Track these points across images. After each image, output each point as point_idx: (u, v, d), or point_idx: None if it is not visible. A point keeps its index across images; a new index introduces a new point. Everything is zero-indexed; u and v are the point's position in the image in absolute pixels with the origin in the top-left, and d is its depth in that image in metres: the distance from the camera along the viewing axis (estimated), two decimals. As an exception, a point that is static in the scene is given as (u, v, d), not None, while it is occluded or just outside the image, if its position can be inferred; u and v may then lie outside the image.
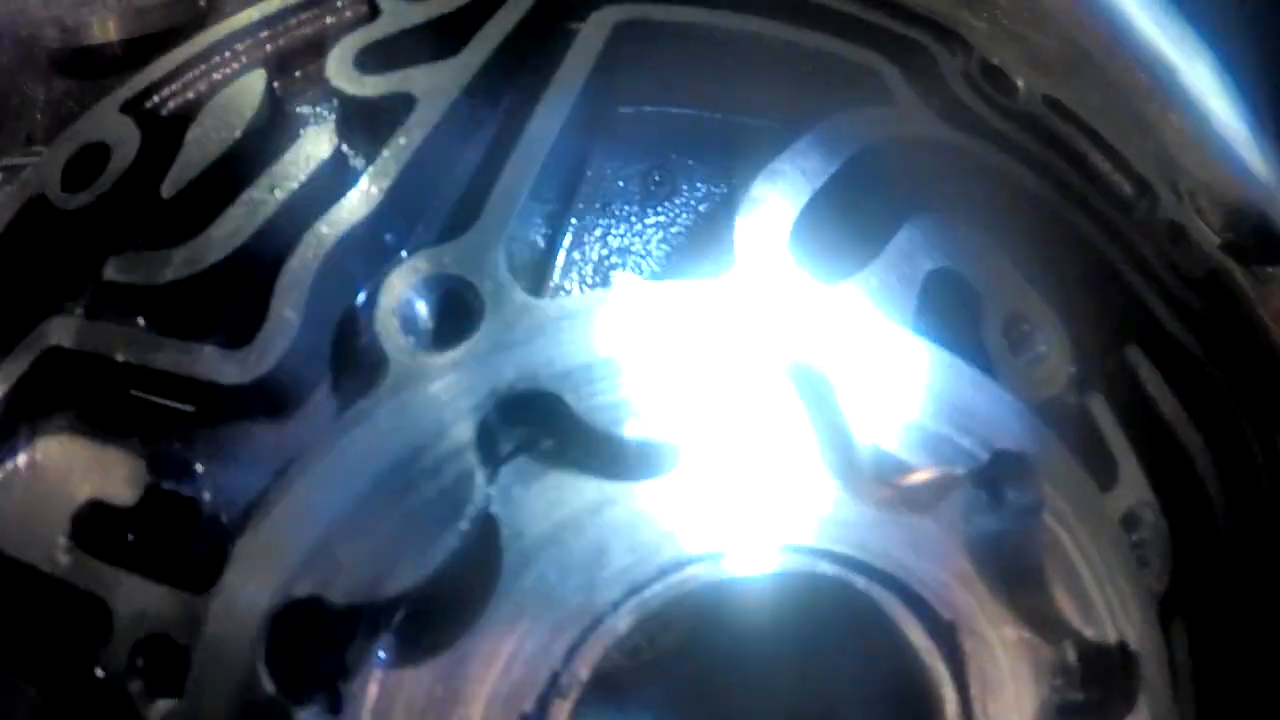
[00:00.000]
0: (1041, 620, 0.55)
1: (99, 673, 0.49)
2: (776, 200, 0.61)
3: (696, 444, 0.49)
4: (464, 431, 0.44)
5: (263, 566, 0.44)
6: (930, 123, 0.71)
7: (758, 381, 0.51)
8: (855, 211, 0.68)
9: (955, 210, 0.68)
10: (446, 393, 0.46)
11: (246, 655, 0.42)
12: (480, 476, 0.44)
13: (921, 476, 0.51)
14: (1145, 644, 0.57)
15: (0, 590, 0.53)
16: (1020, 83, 0.83)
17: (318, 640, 0.44)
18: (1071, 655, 0.58)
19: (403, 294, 0.51)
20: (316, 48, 0.74)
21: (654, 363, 0.49)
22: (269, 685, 0.42)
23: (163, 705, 0.47)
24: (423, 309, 0.51)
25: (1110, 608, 0.56)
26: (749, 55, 0.76)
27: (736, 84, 0.77)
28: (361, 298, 0.57)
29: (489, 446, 0.46)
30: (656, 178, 0.76)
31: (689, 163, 0.77)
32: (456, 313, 0.52)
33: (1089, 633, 0.54)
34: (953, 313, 0.65)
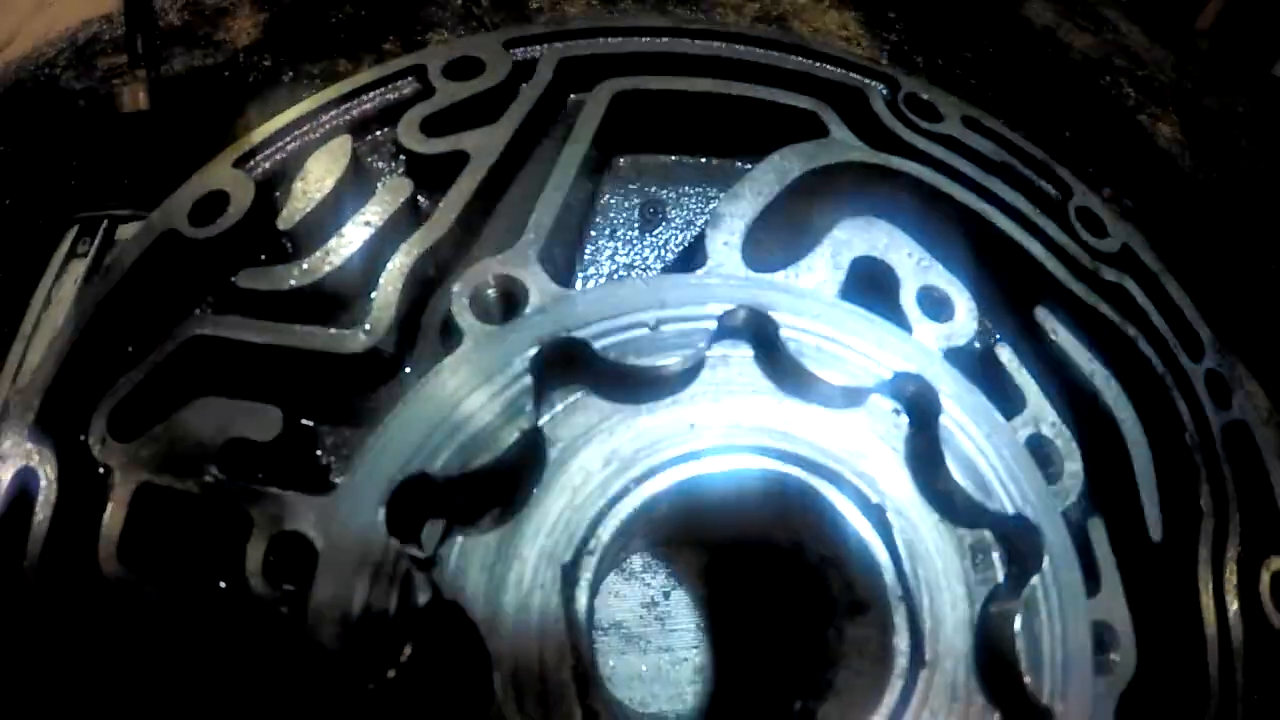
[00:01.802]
0: (951, 503, 0.73)
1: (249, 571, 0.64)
2: (734, 216, 0.82)
3: (681, 378, 0.70)
4: (520, 366, 0.66)
5: (383, 458, 0.63)
6: (857, 149, 0.92)
7: (721, 334, 0.71)
8: (803, 218, 0.89)
9: (880, 212, 0.88)
10: (505, 345, 0.67)
11: (371, 517, 0.61)
12: (531, 398, 0.65)
13: (836, 380, 0.70)
14: (1044, 519, 0.72)
15: (160, 515, 0.70)
16: (943, 109, 1.03)
17: (419, 514, 0.64)
18: (990, 538, 0.75)
19: (471, 286, 0.73)
20: (383, 116, 0.97)
21: (647, 324, 0.70)
22: (386, 534, 0.60)
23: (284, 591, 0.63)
24: (488, 295, 0.73)
25: (1007, 490, 0.72)
26: (719, 110, 0.98)
27: (710, 133, 1.00)
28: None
29: (537, 378, 0.66)
30: (651, 209, 0.98)
31: (675, 195, 0.99)
32: (508, 300, 0.74)
33: (990, 505, 0.71)
34: (878, 291, 0.83)
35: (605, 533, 0.66)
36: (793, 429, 0.71)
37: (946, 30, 4.60)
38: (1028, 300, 0.93)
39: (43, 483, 0.72)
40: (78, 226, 1.93)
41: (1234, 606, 0.84)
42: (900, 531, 0.71)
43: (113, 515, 0.69)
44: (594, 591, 0.66)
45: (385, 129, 0.98)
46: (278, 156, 0.93)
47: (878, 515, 0.71)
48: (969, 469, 0.72)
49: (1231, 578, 0.85)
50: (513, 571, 0.64)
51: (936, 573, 0.72)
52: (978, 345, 0.84)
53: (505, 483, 0.66)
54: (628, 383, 0.68)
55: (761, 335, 0.72)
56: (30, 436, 0.74)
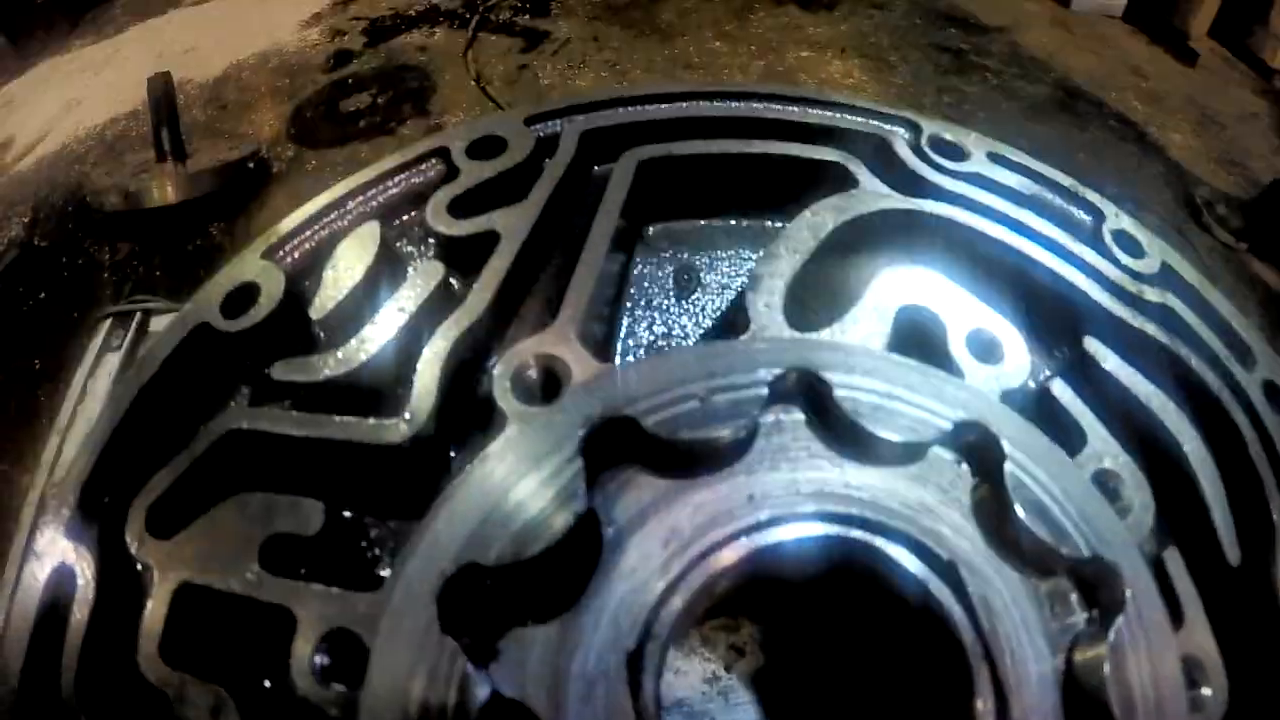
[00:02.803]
0: (1025, 552, 0.70)
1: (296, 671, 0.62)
2: (773, 276, 0.81)
3: (736, 447, 0.68)
4: (568, 449, 0.65)
5: (433, 550, 0.62)
6: (886, 197, 0.91)
7: (772, 399, 0.70)
8: (841, 272, 0.88)
9: (918, 259, 0.87)
10: (552, 428, 0.66)
11: (424, 612, 0.60)
12: (583, 480, 0.64)
13: (893, 437, 0.68)
14: (1122, 557, 0.69)
15: (203, 613, 0.69)
16: (968, 147, 1.03)
17: (474, 608, 0.63)
18: (1066, 583, 0.72)
19: (511, 368, 0.73)
20: (410, 200, 0.99)
21: (696, 396, 0.69)
22: (439, 630, 0.59)
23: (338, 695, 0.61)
24: (529, 376, 0.73)
25: (1081, 532, 0.69)
26: (744, 169, 0.99)
27: (738, 194, 1.00)
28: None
29: (587, 460, 0.65)
30: (685, 276, 0.98)
31: (708, 260, 0.98)
32: (550, 380, 0.74)
33: (1064, 550, 0.68)
34: (926, 339, 0.82)
35: (669, 615, 0.63)
36: (853, 491, 0.69)
37: (949, 67, 4.67)
38: (1075, 332, 0.91)
39: (80, 581, 0.72)
40: (111, 320, 1.99)
41: None
42: (973, 587, 0.68)
43: (153, 614, 0.68)
44: (659, 677, 0.63)
45: (412, 212, 0.99)
46: (307, 245, 0.95)
47: (948, 572, 0.68)
48: (1039, 514, 0.69)
49: None
50: (575, 663, 0.61)
51: (1015, 627, 0.68)
52: (1032, 384, 0.82)
53: (561, 570, 0.64)
54: (681, 457, 0.67)
55: (814, 397, 0.71)
56: (67, 534, 0.74)
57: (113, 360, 1.77)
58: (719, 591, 0.66)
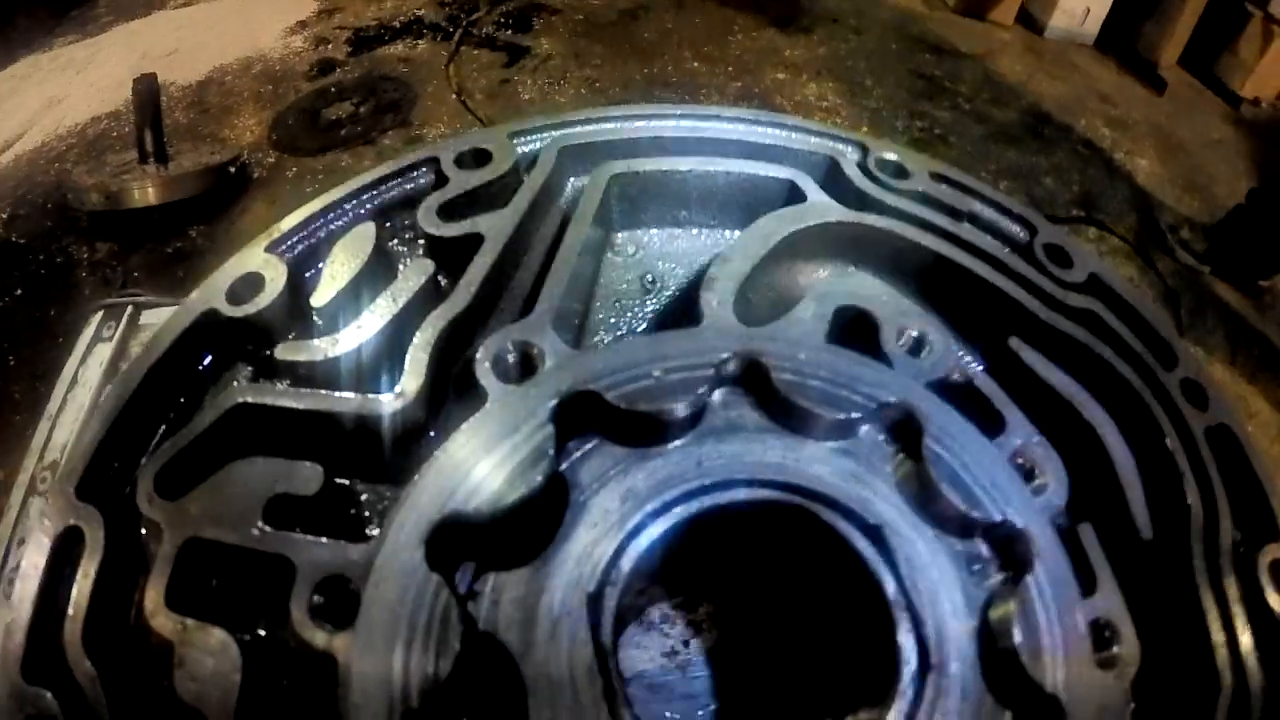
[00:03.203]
0: (944, 518, 0.79)
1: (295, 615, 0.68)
2: (725, 278, 0.91)
3: (687, 421, 0.78)
4: (541, 417, 0.74)
5: (420, 503, 0.71)
6: (831, 210, 1.02)
7: (719, 380, 0.79)
8: (787, 277, 0.98)
9: (859, 266, 0.97)
10: (527, 401, 0.75)
11: (412, 556, 0.68)
12: (551, 447, 0.73)
13: (828, 415, 0.77)
14: (1030, 522, 0.79)
15: (206, 567, 0.74)
16: (911, 167, 1.13)
17: (455, 555, 0.71)
18: (982, 546, 0.81)
19: (492, 352, 0.82)
20: (401, 204, 1.09)
21: (652, 375, 0.78)
22: (427, 569, 0.67)
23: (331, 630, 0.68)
24: (507, 359, 0.82)
25: (993, 500, 0.79)
26: (705, 185, 1.09)
27: (699, 206, 1.10)
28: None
29: (557, 428, 0.74)
30: (649, 278, 1.08)
31: (671, 266, 1.09)
32: (526, 363, 0.83)
33: (975, 514, 0.78)
34: (860, 336, 0.90)
35: (626, 563, 0.72)
36: (791, 462, 0.79)
37: (921, 92, 4.82)
38: (1002, 334, 1.01)
39: (87, 539, 0.78)
40: (102, 312, 2.04)
41: (1234, 594, 0.88)
42: (897, 546, 0.78)
43: (160, 568, 0.74)
44: (616, 617, 0.72)
45: (403, 216, 1.09)
46: (306, 242, 1.04)
47: (875, 534, 0.78)
48: (957, 485, 0.78)
49: (1228, 567, 0.90)
50: (542, 603, 0.70)
51: (935, 583, 0.78)
52: (956, 376, 0.92)
53: (531, 525, 0.73)
54: (638, 429, 0.76)
55: (757, 379, 0.80)
56: (75, 497, 0.80)
57: (103, 350, 1.83)
58: (671, 547, 0.75)
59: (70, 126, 4.68)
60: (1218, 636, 0.87)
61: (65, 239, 3.82)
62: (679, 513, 0.75)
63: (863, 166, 1.12)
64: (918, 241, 1.02)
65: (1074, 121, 4.89)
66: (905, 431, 0.81)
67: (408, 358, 0.88)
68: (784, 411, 0.79)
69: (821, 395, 0.79)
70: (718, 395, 0.80)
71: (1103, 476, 0.94)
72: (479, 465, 0.73)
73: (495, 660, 0.69)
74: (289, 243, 1.02)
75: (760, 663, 1.04)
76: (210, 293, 0.94)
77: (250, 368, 0.96)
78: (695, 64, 4.81)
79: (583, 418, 0.76)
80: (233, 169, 4.07)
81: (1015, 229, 1.17)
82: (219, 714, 0.68)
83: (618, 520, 0.73)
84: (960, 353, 0.98)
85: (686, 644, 1.07)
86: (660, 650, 1.06)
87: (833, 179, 1.10)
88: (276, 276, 0.94)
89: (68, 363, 1.84)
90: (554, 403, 0.74)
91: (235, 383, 0.95)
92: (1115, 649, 0.81)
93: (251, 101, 4.68)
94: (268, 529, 0.75)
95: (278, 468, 0.79)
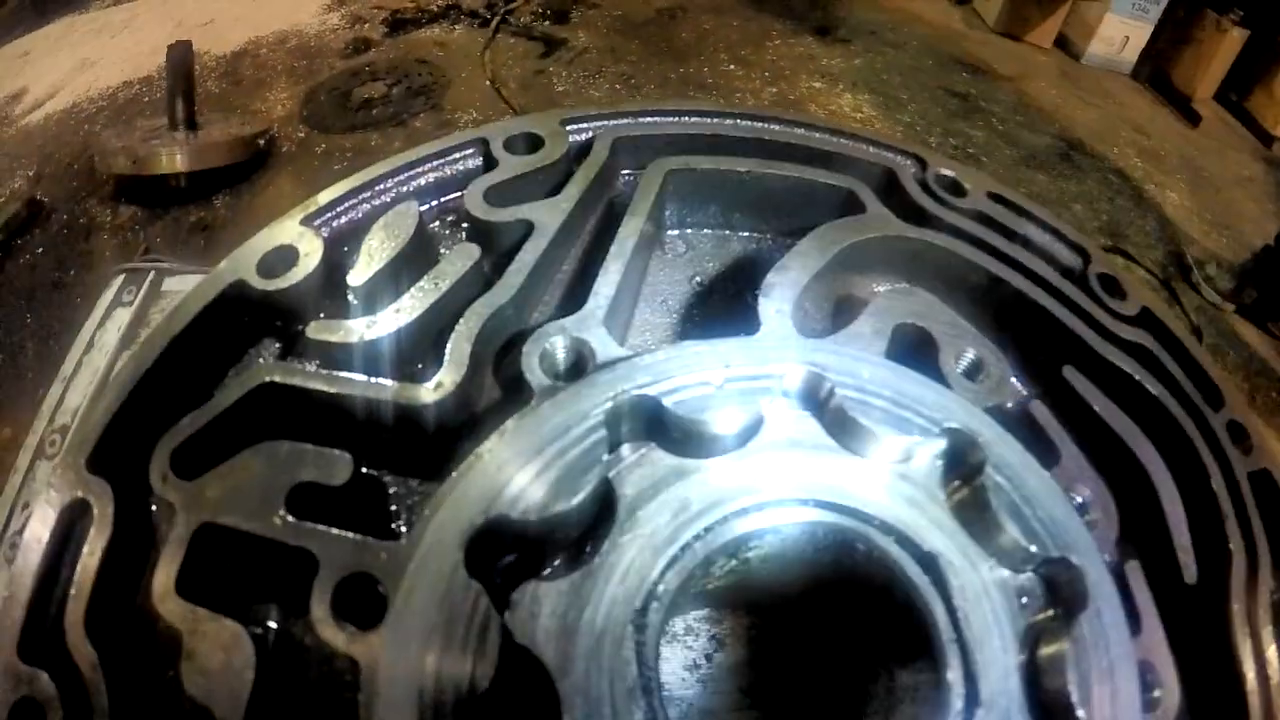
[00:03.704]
0: (999, 549, 0.76)
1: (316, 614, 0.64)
2: (784, 286, 0.88)
3: (743, 434, 0.75)
4: (593, 420, 0.71)
5: (463, 502, 0.67)
6: (891, 223, 0.99)
7: (780, 392, 0.77)
8: (844, 289, 0.96)
9: (916, 283, 0.94)
10: (578, 401, 0.73)
11: (451, 559, 0.64)
12: (603, 451, 0.70)
13: (888, 435, 0.74)
14: (1087, 560, 0.76)
15: (220, 555, 0.70)
16: (968, 185, 1.10)
17: (493, 561, 0.68)
18: (1033, 580, 0.78)
19: (540, 347, 0.79)
20: (444, 185, 1.05)
21: (712, 383, 0.75)
22: (466, 575, 0.64)
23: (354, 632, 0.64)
24: (556, 356, 0.79)
25: (1051, 535, 0.76)
26: (762, 188, 1.06)
27: (754, 209, 1.07)
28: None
29: (609, 432, 0.71)
30: (699, 281, 1.05)
31: (722, 269, 1.06)
32: (576, 361, 0.80)
33: (1035, 550, 0.75)
34: (918, 356, 0.88)
35: (674, 580, 0.69)
36: (848, 483, 0.76)
37: (955, 110, 4.78)
38: (1056, 362, 0.98)
39: (96, 514, 0.74)
40: (124, 276, 2.01)
41: (1271, 646, 0.86)
42: (951, 577, 0.75)
43: (171, 552, 0.69)
44: (660, 637, 0.69)
45: (446, 198, 1.05)
46: (344, 218, 1.00)
47: (929, 562, 0.75)
48: (1015, 516, 0.75)
49: (1265, 614, 0.88)
50: (585, 618, 0.67)
51: (987, 616, 0.75)
52: (1013, 404, 0.89)
53: (576, 533, 0.70)
54: (694, 438, 0.73)
55: (818, 393, 0.78)
56: (86, 469, 0.76)
57: (122, 315, 1.80)
58: (719, 566, 0.72)
59: (102, 89, 4.68)
60: (1251, 685, 0.85)
61: (89, 201, 3.81)
62: (730, 530, 0.72)
63: (921, 181, 1.09)
64: (975, 262, 0.99)
65: (1106, 150, 4.84)
66: (965, 458, 0.78)
67: (449, 346, 0.83)
68: (843, 429, 0.77)
69: (883, 415, 0.76)
70: (776, 406, 0.77)
71: (1149, 515, 0.92)
72: (526, 467, 0.70)
73: (530, 675, 0.66)
74: (326, 217, 0.98)
75: (787, 685, 1.01)
76: (240, 263, 0.89)
77: (278, 345, 0.92)
78: (731, 67, 4.77)
79: (637, 423, 0.74)
80: (262, 142, 4.05)
81: (1069, 255, 1.14)
82: (229, 713, 0.64)
83: (668, 535, 0.70)
84: (1015, 380, 0.95)
85: (709, 658, 1.04)
86: (682, 663, 1.03)
87: (889, 192, 1.08)
88: (312, 251, 0.90)
89: (85, 325, 1.82)
90: (609, 405, 0.71)
91: (261, 360, 0.90)
92: (1157, 692, 0.79)
93: (284, 76, 4.66)
94: (290, 519, 0.70)
95: (304, 454, 0.74)
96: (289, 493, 0.72)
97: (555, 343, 0.80)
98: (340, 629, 0.66)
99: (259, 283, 0.88)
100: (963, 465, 0.78)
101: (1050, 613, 0.77)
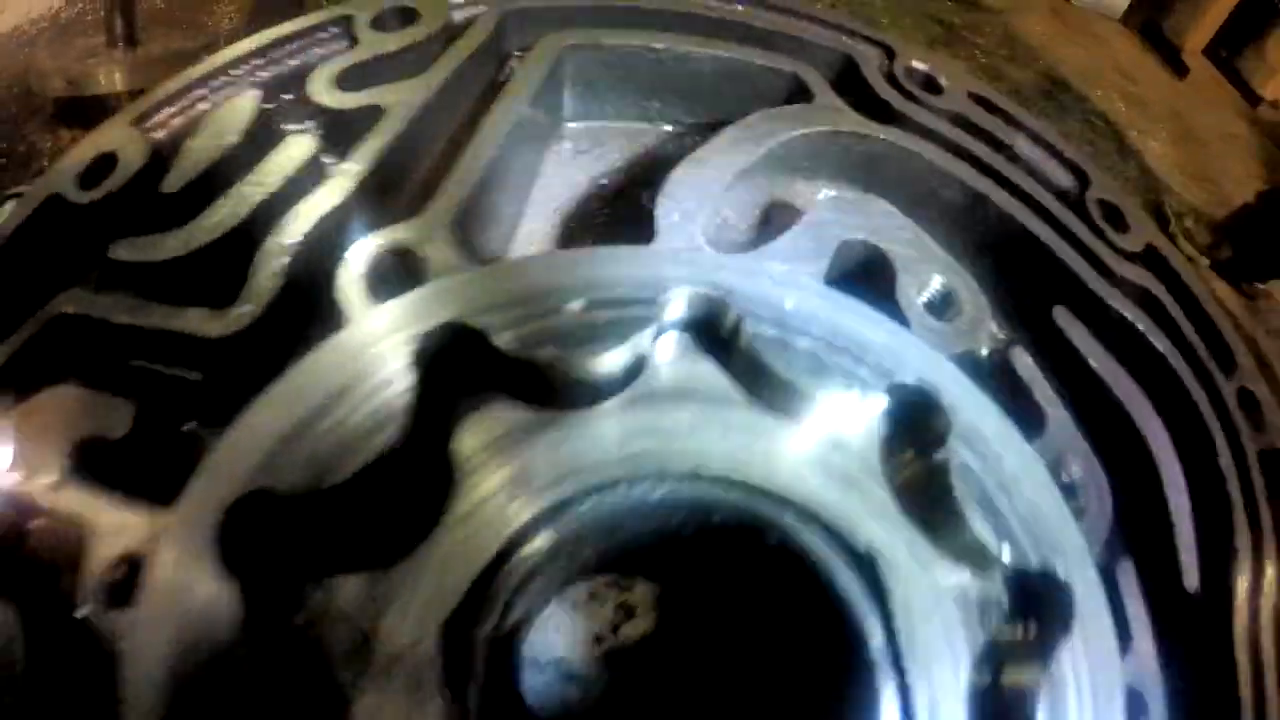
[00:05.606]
0: (958, 548, 0.57)
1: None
2: (693, 184, 0.67)
3: (615, 380, 0.54)
4: (397, 361, 0.50)
5: (222, 471, 0.49)
6: (845, 115, 0.77)
7: (668, 324, 0.56)
8: (780, 195, 0.75)
9: (872, 191, 0.73)
10: (389, 332, 0.52)
11: (201, 544, 0.47)
12: (412, 400, 0.50)
13: (815, 389, 0.54)
14: (1075, 573, 0.58)
15: None
16: (945, 81, 0.89)
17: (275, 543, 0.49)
18: (1000, 589, 0.60)
19: (362, 259, 0.59)
20: (301, 74, 0.85)
21: (571, 310, 0.54)
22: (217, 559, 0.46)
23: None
24: (384, 272, 0.58)
25: (1030, 532, 0.57)
26: (685, 71, 0.84)
27: (675, 97, 0.86)
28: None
29: (424, 375, 0.51)
30: (605, 183, 0.84)
31: (634, 168, 0.84)
32: (405, 277, 0.59)
33: (1009, 554, 0.56)
34: (869, 283, 0.68)
35: (505, 580, 0.50)
36: (758, 451, 0.56)
37: (938, 38, 4.55)
38: (1044, 301, 0.79)
39: None
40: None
41: (1271, 672, 0.71)
42: (891, 583, 0.56)
43: None
44: (490, 658, 0.50)
45: (302, 88, 0.84)
46: (184, 116, 0.82)
47: (865, 563, 0.56)
48: (983, 504, 0.56)
49: (1268, 631, 0.72)
50: (382, 628, 0.48)
51: (936, 634, 0.56)
52: (988, 350, 0.70)
53: (377, 508, 0.50)
54: (541, 385, 0.53)
55: (720, 327, 0.57)
56: None
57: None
58: (577, 557, 0.52)
59: (44, 10, 4.33)
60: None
61: (27, 126, 3.54)
62: (586, 512, 0.51)
63: (887, 73, 0.87)
64: (951, 172, 0.79)
65: (1090, 92, 4.68)
66: (922, 424, 0.58)
67: (256, 261, 0.66)
68: (755, 379, 0.56)
69: (811, 362, 0.56)
70: (662, 345, 0.56)
71: (1148, 500, 0.75)
72: (311, 420, 0.50)
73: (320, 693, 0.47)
74: (161, 115, 0.82)
75: (698, 668, 0.83)
76: (62, 175, 0.75)
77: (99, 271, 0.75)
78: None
79: (466, 363, 0.52)
80: (206, 55, 3.74)
81: (1064, 176, 0.94)
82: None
83: (498, 515, 0.50)
84: (994, 320, 0.75)
85: (616, 630, 0.86)
86: (583, 635, 0.85)
87: (847, 83, 0.87)
88: (133, 155, 0.75)
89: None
90: (416, 344, 0.50)
91: (76, 289, 0.72)
92: (1142, 720, 0.65)
93: (231, -13, 4.32)
94: (67, 482, 0.57)
95: (90, 401, 0.62)
96: (73, 449, 0.59)
97: (379, 253, 0.59)
98: (105, 614, 0.51)
99: (74, 195, 0.74)
100: (918, 433, 0.58)
101: (1020, 631, 0.59)
